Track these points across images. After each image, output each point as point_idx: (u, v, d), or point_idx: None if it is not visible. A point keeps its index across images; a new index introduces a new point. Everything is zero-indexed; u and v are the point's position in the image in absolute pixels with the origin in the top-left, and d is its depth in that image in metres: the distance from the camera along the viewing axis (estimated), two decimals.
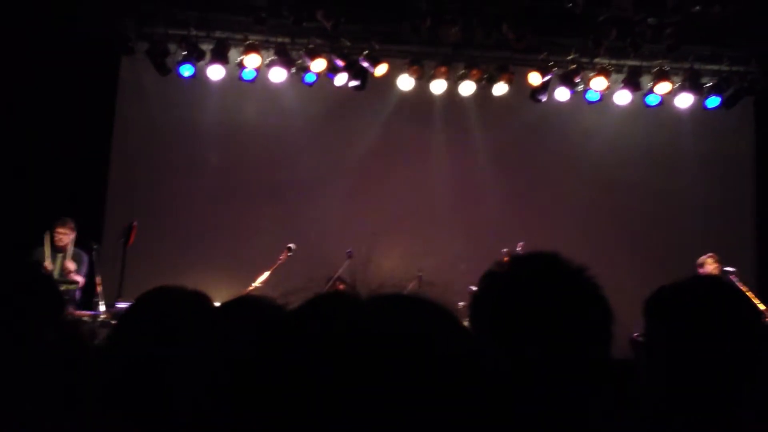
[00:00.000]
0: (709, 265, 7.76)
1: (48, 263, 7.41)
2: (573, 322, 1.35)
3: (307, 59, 9.09)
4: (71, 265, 7.43)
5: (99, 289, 7.20)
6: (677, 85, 9.35)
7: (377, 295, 0.83)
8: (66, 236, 7.52)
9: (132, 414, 1.40)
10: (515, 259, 1.49)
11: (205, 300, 1.76)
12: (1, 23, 8.21)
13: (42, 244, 7.52)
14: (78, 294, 7.51)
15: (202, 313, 1.61)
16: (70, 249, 7.59)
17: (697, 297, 1.71)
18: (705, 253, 7.96)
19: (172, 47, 9.02)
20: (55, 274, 7.33)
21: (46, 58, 8.52)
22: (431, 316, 0.80)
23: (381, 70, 9.17)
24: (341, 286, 8.29)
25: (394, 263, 9.33)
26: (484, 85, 9.37)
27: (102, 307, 6.96)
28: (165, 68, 9.09)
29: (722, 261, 7.85)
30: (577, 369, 1.35)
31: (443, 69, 9.28)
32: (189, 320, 1.48)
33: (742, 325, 1.65)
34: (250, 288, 7.27)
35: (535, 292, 1.38)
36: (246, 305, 1.52)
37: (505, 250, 7.91)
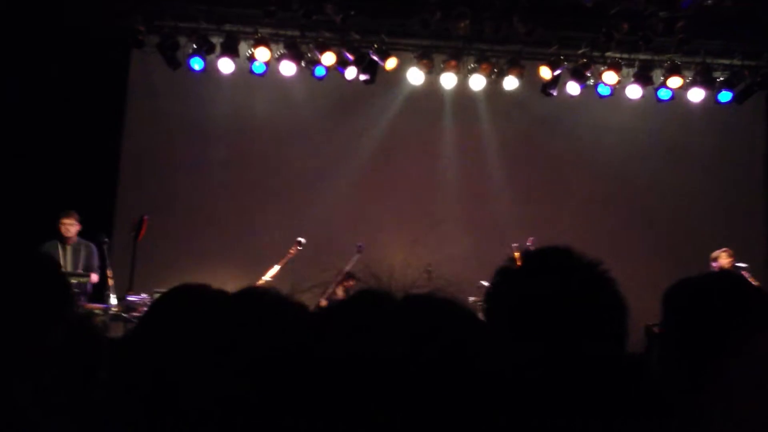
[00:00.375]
0: (723, 260, 7.74)
1: (61, 260, 7.46)
2: (588, 317, 1.35)
3: (316, 53, 9.08)
4: (94, 278, 7.47)
5: (110, 282, 7.23)
6: (689, 80, 9.28)
7: (410, 300, 0.82)
8: (73, 227, 7.55)
9: (139, 418, 1.40)
10: (528, 254, 1.48)
11: (228, 300, 1.74)
12: (13, 19, 8.24)
13: (53, 238, 7.56)
14: (89, 287, 7.54)
15: (226, 314, 1.60)
16: (75, 241, 7.62)
17: (717, 291, 1.71)
18: (715, 248, 7.92)
19: (182, 41, 9.03)
20: (68, 267, 7.38)
21: (57, 53, 8.55)
22: (462, 322, 0.79)
23: (391, 63, 9.15)
24: (351, 281, 8.30)
25: (404, 257, 9.33)
26: (495, 79, 9.33)
27: (113, 300, 7.00)
28: (175, 62, 9.10)
29: (736, 256, 7.82)
30: (593, 363, 1.34)
31: (453, 63, 9.24)
32: (213, 322, 1.47)
33: (759, 319, 1.65)
34: (260, 282, 7.28)
35: (549, 286, 1.37)
36: (268, 304, 1.51)
37: (515, 244, 7.89)
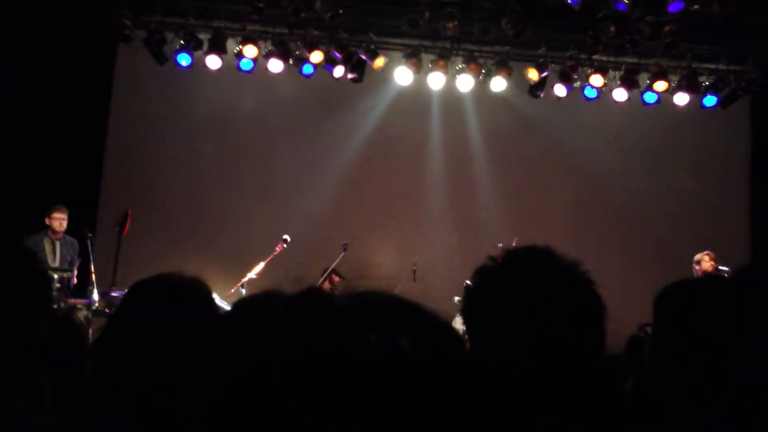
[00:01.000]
0: (706, 263, 7.80)
1: (47, 254, 7.42)
2: (566, 317, 1.36)
3: (305, 51, 9.06)
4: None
5: (93, 277, 7.19)
6: (675, 84, 9.35)
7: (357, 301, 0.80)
8: (64, 221, 7.54)
9: (128, 411, 1.39)
10: (508, 253, 1.49)
11: (204, 288, 1.75)
12: None
13: (37, 232, 7.51)
14: (72, 282, 7.49)
15: (201, 304, 1.60)
16: (61, 236, 7.60)
17: (710, 294, 1.72)
18: (699, 250, 7.99)
19: (170, 36, 8.98)
20: (57, 262, 7.35)
21: (42, 46, 8.47)
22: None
23: (379, 63, 9.15)
24: (336, 279, 8.30)
25: (389, 256, 9.34)
26: (482, 80, 9.36)
27: (96, 296, 6.96)
28: (162, 57, 9.05)
29: (718, 259, 7.88)
30: (571, 363, 1.35)
31: (441, 63, 9.26)
32: (187, 310, 1.47)
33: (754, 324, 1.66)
34: (245, 279, 7.26)
35: (528, 286, 1.38)
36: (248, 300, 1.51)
37: (500, 244, 7.92)
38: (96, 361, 1.75)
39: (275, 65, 9.09)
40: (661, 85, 9.22)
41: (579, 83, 9.32)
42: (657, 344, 1.74)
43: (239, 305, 1.20)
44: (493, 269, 1.44)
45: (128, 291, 1.73)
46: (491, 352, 1.38)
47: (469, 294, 1.46)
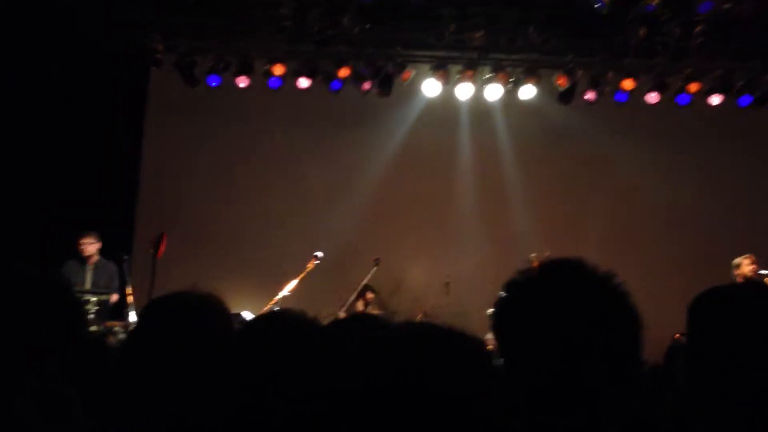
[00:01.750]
0: (746, 267, 7.58)
1: (80, 278, 7.55)
2: (600, 331, 1.32)
3: (332, 67, 9.11)
4: (114, 297, 7.57)
5: (130, 299, 7.29)
6: (707, 85, 9.18)
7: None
8: (90, 246, 7.67)
9: (143, 424, 1.39)
10: (540, 266, 1.45)
11: (218, 303, 1.75)
12: (32, 41, 8.36)
13: (73, 257, 7.65)
14: (110, 304, 7.60)
15: (216, 318, 1.59)
16: (96, 260, 7.74)
17: (747, 300, 1.65)
18: (738, 255, 7.78)
19: (199, 59, 9.11)
20: (87, 286, 7.46)
21: (76, 75, 8.65)
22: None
23: (406, 76, 9.16)
24: (370, 294, 8.29)
25: (422, 270, 9.30)
26: (511, 89, 9.29)
27: (133, 317, 7.03)
28: (193, 80, 9.19)
29: (759, 262, 7.68)
30: (608, 375, 1.31)
31: (469, 73, 9.22)
32: (201, 325, 1.46)
33: None
34: (278, 297, 7.28)
35: (561, 300, 1.34)
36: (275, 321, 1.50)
37: (533, 255, 7.83)
38: (115, 377, 1.76)
39: (303, 83, 9.15)
40: (694, 87, 9.06)
41: (609, 88, 9.20)
42: (690, 355, 1.67)
43: (252, 324, 1.19)
44: (524, 282, 1.41)
45: (144, 308, 1.75)
46: (522, 367, 1.35)
47: (499, 308, 1.43)
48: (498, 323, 1.42)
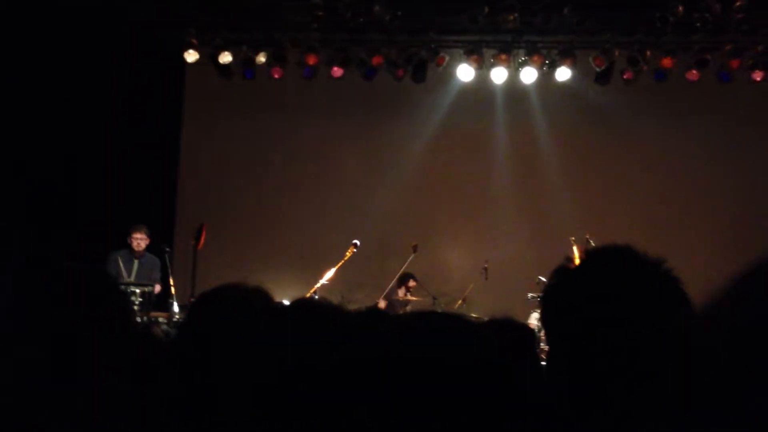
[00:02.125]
0: None
1: (126, 271, 7.70)
2: (652, 317, 1.30)
3: (366, 55, 9.11)
4: (157, 288, 7.71)
5: (173, 290, 7.42)
6: (750, 60, 8.94)
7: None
8: (143, 241, 7.82)
9: (193, 416, 1.42)
10: (588, 253, 1.43)
11: (265, 296, 1.78)
12: (73, 38, 8.51)
13: (118, 249, 7.81)
14: (153, 296, 7.75)
15: (262, 312, 1.62)
16: (142, 252, 7.89)
17: None
18: None
19: (234, 51, 9.18)
20: (133, 278, 7.62)
21: (113, 72, 8.80)
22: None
23: (440, 61, 9.11)
24: (412, 282, 8.31)
25: (460, 255, 9.28)
26: (546, 71, 9.18)
27: (176, 308, 7.17)
28: (228, 72, 9.27)
29: None
30: (659, 363, 1.29)
31: (503, 57, 9.13)
32: (248, 320, 1.49)
33: None
34: (317, 285, 7.34)
35: (610, 286, 1.33)
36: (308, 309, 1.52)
37: (572, 238, 7.76)
38: (166, 369, 1.80)
39: (337, 71, 9.17)
40: (735, 64, 8.85)
41: (648, 67, 9.03)
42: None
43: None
44: (572, 270, 1.40)
45: (194, 302, 1.79)
46: (570, 355, 1.34)
47: (547, 296, 1.41)
48: (546, 311, 1.41)
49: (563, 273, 1.40)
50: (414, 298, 8.26)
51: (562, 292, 1.39)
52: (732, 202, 9.34)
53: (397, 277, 8.40)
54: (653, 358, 1.28)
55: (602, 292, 1.32)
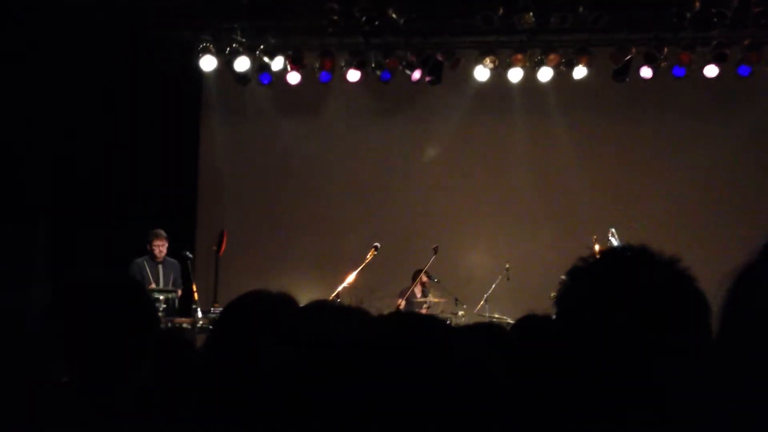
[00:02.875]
0: None
1: (150, 277, 7.78)
2: (665, 317, 1.30)
3: (381, 57, 9.13)
4: (179, 293, 7.80)
5: (195, 296, 7.47)
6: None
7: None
8: (164, 247, 7.89)
9: (229, 419, 1.44)
10: (602, 253, 1.43)
11: (291, 302, 1.81)
12: (89, 48, 8.60)
13: (140, 256, 7.89)
14: (176, 302, 7.81)
15: (288, 317, 1.64)
16: (164, 258, 7.97)
17: None
18: None
19: (251, 57, 9.24)
20: (161, 284, 7.70)
21: (132, 78, 8.88)
22: None
23: (456, 62, 9.11)
24: (424, 278, 8.32)
25: (481, 256, 9.26)
26: (563, 70, 9.14)
27: (199, 314, 7.21)
28: (245, 78, 9.33)
29: None
30: (674, 363, 1.29)
31: (519, 57, 9.11)
32: (276, 325, 1.52)
33: None
34: (339, 288, 7.36)
35: (624, 286, 1.33)
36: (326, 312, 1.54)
37: (594, 236, 7.71)
38: (198, 374, 1.83)
39: (354, 75, 9.20)
40: (754, 57, 8.75)
41: (665, 63, 8.97)
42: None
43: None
44: (586, 270, 1.40)
45: (222, 312, 1.83)
46: (585, 355, 1.34)
47: (561, 296, 1.42)
48: (560, 311, 1.41)
49: (577, 273, 1.40)
50: (436, 300, 8.26)
51: (575, 293, 1.39)
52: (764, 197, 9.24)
53: (414, 278, 8.44)
54: (664, 360, 1.27)
55: (615, 291, 1.32)
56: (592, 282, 1.37)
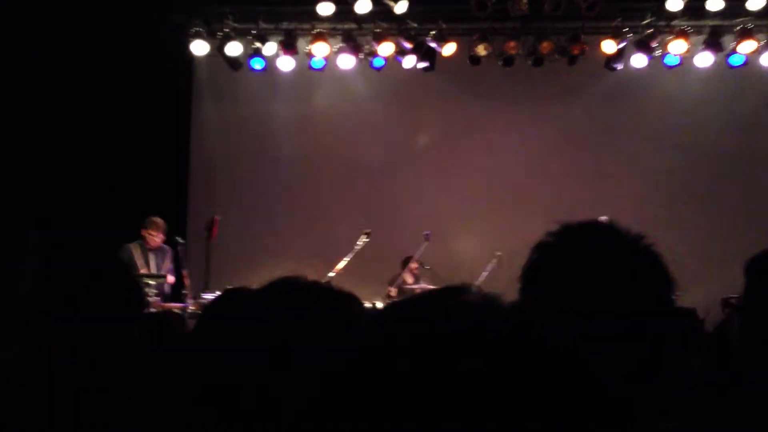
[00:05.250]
0: None
1: (140, 262, 7.72)
2: (629, 292, 1.29)
3: (374, 44, 9.09)
4: (170, 279, 7.72)
5: (187, 282, 7.46)
6: (762, 43, 8.85)
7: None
8: (159, 238, 7.80)
9: (218, 411, 1.44)
10: (566, 228, 1.42)
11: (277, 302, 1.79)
12: (79, 33, 8.53)
13: (131, 241, 7.83)
14: (167, 288, 7.79)
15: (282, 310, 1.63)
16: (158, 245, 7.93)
17: None
18: None
19: (243, 42, 9.18)
20: (152, 270, 7.66)
21: (122, 63, 8.80)
22: None
23: (449, 49, 9.08)
24: (413, 265, 8.32)
25: (473, 244, 9.27)
26: (557, 58, 9.13)
27: (190, 300, 7.21)
28: (236, 63, 9.27)
29: None
30: (637, 339, 1.29)
31: (512, 44, 9.09)
32: (269, 318, 1.50)
33: None
34: (331, 275, 7.36)
35: (588, 261, 1.32)
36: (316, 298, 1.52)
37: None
38: (182, 359, 1.83)
39: (346, 61, 9.15)
40: (747, 47, 8.75)
41: (659, 52, 8.96)
42: (747, 315, 1.63)
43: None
44: (550, 244, 1.39)
45: (211, 303, 1.80)
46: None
47: (526, 272, 1.40)
48: (524, 290, 1.40)
49: (542, 248, 1.40)
50: (428, 287, 8.27)
51: (541, 267, 1.38)
52: (748, 185, 9.28)
53: (402, 265, 8.46)
54: (629, 339, 1.27)
55: (578, 266, 1.31)
56: (555, 256, 1.36)
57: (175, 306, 7.25)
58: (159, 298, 7.35)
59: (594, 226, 1.39)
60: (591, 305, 1.27)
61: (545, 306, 1.32)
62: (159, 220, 7.85)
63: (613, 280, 1.29)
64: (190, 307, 7.03)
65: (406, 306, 0.79)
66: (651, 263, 1.32)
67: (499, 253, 8.30)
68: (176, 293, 7.70)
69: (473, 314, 0.74)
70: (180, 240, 7.87)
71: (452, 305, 0.75)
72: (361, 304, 1.52)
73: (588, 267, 1.31)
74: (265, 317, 1.42)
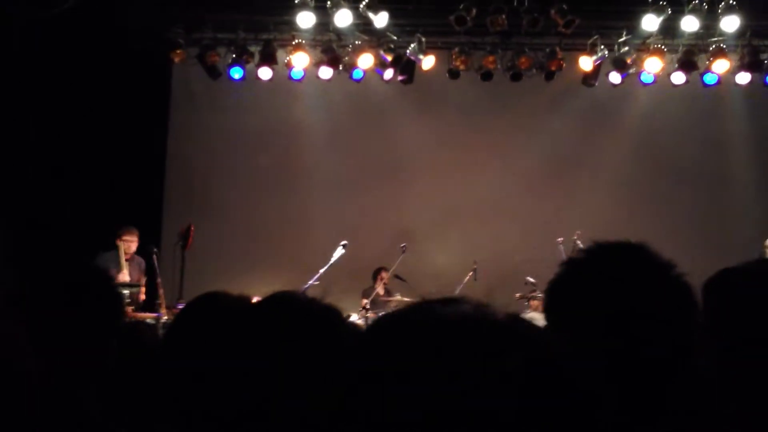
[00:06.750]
0: None
1: (123, 269, 7.60)
2: (655, 322, 1.29)
3: (353, 56, 9.10)
4: (127, 276, 7.60)
5: (160, 291, 7.36)
6: (736, 63, 9.01)
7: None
8: (134, 243, 7.71)
9: (182, 423, 1.41)
10: (598, 246, 1.41)
11: (246, 302, 1.77)
12: (57, 37, 8.43)
13: (108, 249, 7.71)
14: (140, 297, 7.68)
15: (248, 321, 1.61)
16: (132, 254, 7.82)
17: (764, 279, 1.61)
18: (762, 238, 7.67)
19: (222, 51, 9.15)
20: (128, 278, 7.54)
21: (99, 69, 8.71)
22: None
23: (428, 62, 9.12)
24: (383, 274, 8.31)
25: (449, 256, 9.29)
26: (535, 73, 9.22)
27: (163, 309, 7.11)
28: (215, 72, 9.23)
29: None
30: (660, 363, 1.28)
31: (491, 58, 9.17)
32: (235, 328, 1.48)
33: None
34: (306, 286, 7.32)
35: (616, 283, 1.31)
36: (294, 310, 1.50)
37: (560, 239, 7.78)
38: (152, 369, 1.80)
39: (325, 72, 9.15)
40: (721, 66, 8.90)
41: (634, 69, 9.09)
42: (706, 331, 1.63)
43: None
44: (581, 262, 1.38)
45: (182, 310, 1.78)
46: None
47: (552, 288, 1.39)
48: (549, 307, 1.39)
49: (572, 265, 1.38)
50: (403, 299, 8.24)
51: (568, 284, 1.37)
52: (723, 201, 9.43)
53: (374, 275, 8.45)
54: (655, 360, 1.26)
55: (607, 287, 1.30)
56: (586, 275, 1.35)
57: (148, 316, 7.15)
58: (131, 308, 7.24)
59: (626, 247, 1.38)
60: (613, 326, 1.27)
61: (566, 322, 1.31)
62: (133, 228, 7.76)
63: (639, 303, 1.29)
64: (164, 317, 6.94)
65: (407, 326, 0.78)
66: (681, 292, 1.32)
67: (475, 265, 8.32)
68: (150, 302, 7.59)
69: (484, 343, 0.75)
70: (154, 248, 7.78)
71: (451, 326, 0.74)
72: (345, 318, 1.51)
73: (615, 288, 1.30)
74: (260, 329, 1.40)
